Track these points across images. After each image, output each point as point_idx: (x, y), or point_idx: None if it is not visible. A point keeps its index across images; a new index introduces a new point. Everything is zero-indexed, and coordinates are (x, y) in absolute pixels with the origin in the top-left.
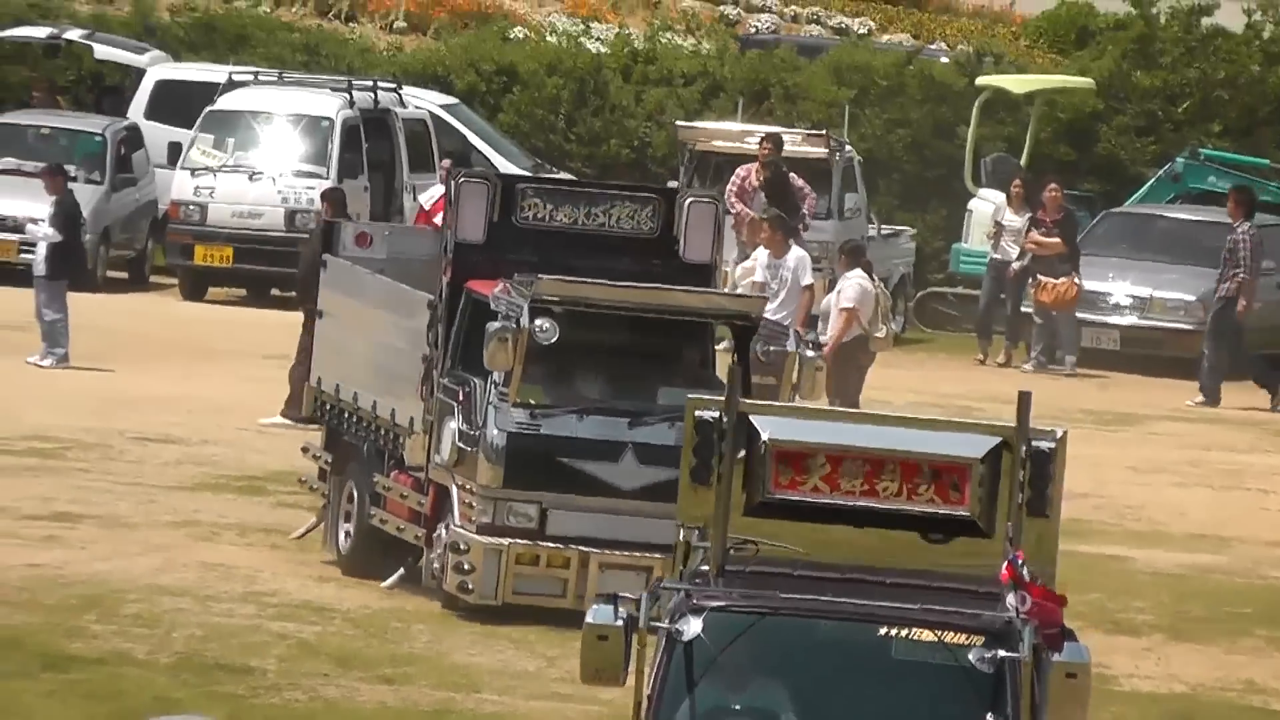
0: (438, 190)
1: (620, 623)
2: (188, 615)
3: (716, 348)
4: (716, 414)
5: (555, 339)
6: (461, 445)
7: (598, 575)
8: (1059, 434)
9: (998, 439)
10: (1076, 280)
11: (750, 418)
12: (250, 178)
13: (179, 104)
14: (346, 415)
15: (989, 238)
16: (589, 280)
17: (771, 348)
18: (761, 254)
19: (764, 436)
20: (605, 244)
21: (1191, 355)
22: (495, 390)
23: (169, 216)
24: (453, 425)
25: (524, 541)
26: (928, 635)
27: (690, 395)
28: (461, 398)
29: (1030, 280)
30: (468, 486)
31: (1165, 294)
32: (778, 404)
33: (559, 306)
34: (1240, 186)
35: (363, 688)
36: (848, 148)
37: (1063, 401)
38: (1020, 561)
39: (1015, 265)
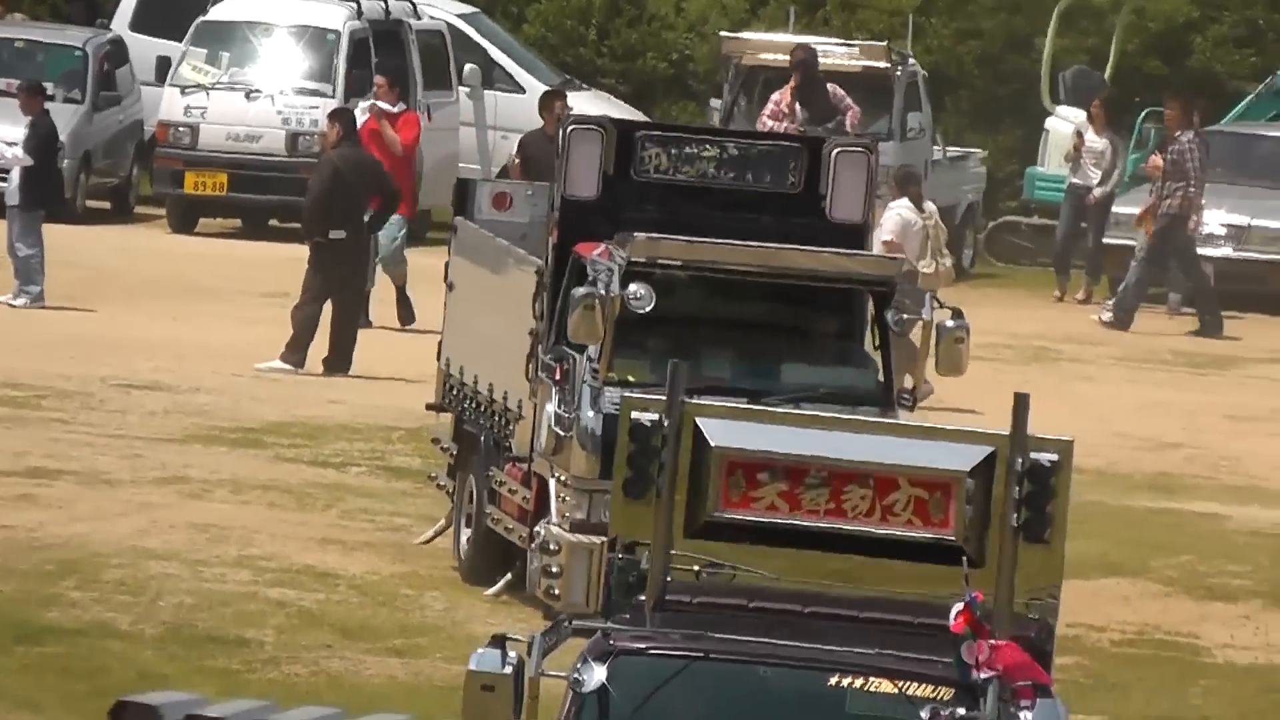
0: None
1: (509, 670)
2: (176, 582)
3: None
4: (656, 416)
5: (650, 307)
6: (558, 430)
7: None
8: (1065, 441)
9: (989, 449)
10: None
11: (697, 421)
12: (247, 96)
13: (168, 14)
14: (468, 401)
15: (1068, 161)
16: (692, 239)
17: (904, 315)
18: None
19: (712, 444)
20: (740, 201)
21: None
22: (589, 367)
23: (156, 139)
24: (550, 408)
25: None
26: (887, 686)
27: (627, 395)
28: (559, 376)
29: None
30: (563, 478)
31: (1266, 223)
32: (730, 405)
33: (657, 270)
34: (1183, 91)
35: (370, 660)
36: (911, 61)
37: (1151, 343)
38: (978, 603)
39: (1097, 192)
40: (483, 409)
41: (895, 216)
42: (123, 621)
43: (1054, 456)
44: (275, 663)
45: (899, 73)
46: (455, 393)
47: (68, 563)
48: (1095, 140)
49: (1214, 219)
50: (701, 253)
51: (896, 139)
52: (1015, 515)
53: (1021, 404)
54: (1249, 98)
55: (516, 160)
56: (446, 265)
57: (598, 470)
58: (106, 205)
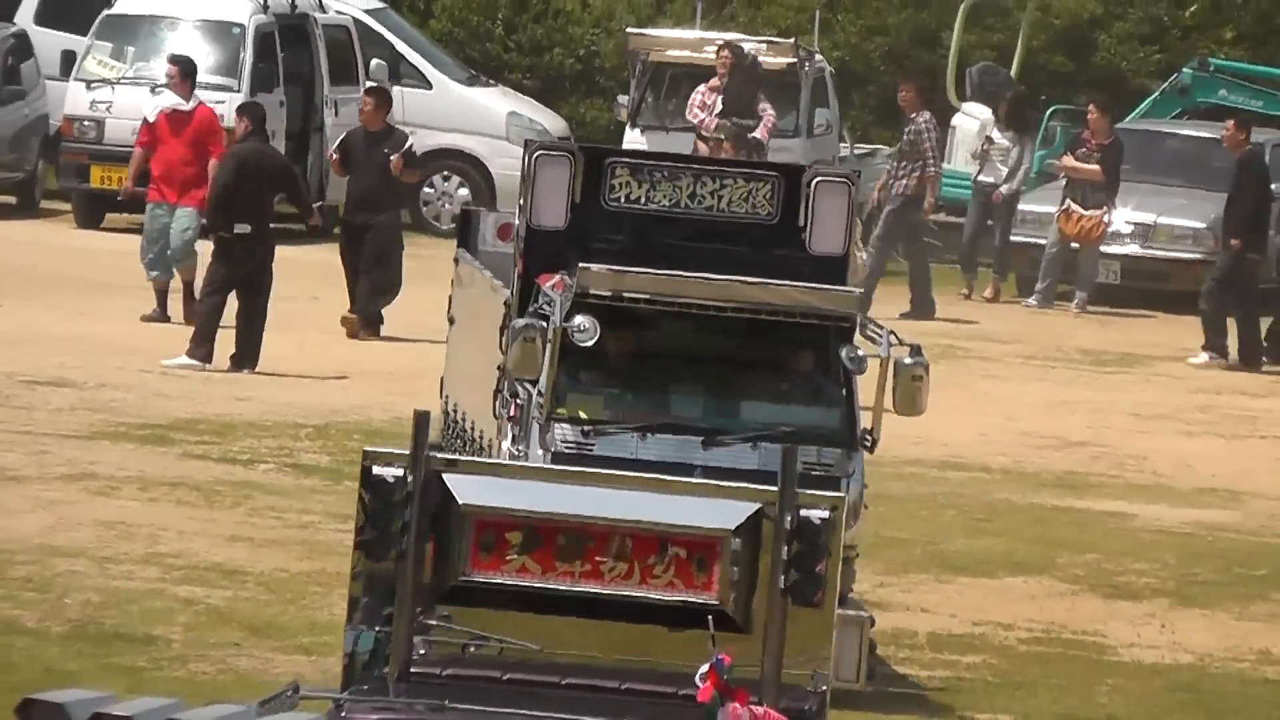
0: (167, 100)
1: None
2: (83, 579)
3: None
4: (400, 472)
5: (594, 340)
6: None
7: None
8: (837, 496)
9: (755, 505)
10: (1107, 217)
11: (444, 477)
12: (153, 91)
13: (72, 7)
14: (458, 440)
15: (975, 158)
16: (638, 269)
17: (860, 352)
18: None
19: (460, 501)
20: (714, 231)
21: (1199, 289)
22: (537, 402)
23: (62, 134)
24: (505, 446)
25: None
26: None
27: (368, 449)
28: (513, 412)
29: (1059, 205)
30: None
31: (1171, 220)
32: (481, 460)
33: (604, 301)
34: (911, 75)
35: (278, 658)
36: (818, 57)
37: (1059, 341)
38: (726, 665)
39: (1003, 189)
40: (468, 448)
41: None
42: (29, 619)
43: (824, 513)
44: (183, 660)
45: (806, 69)
46: (451, 431)
47: None
48: (1001, 137)
49: (1120, 216)
50: (650, 285)
51: (804, 135)
52: (783, 577)
53: (790, 457)
54: (1154, 95)
55: (335, 157)
56: (450, 299)
57: None
58: (12, 200)
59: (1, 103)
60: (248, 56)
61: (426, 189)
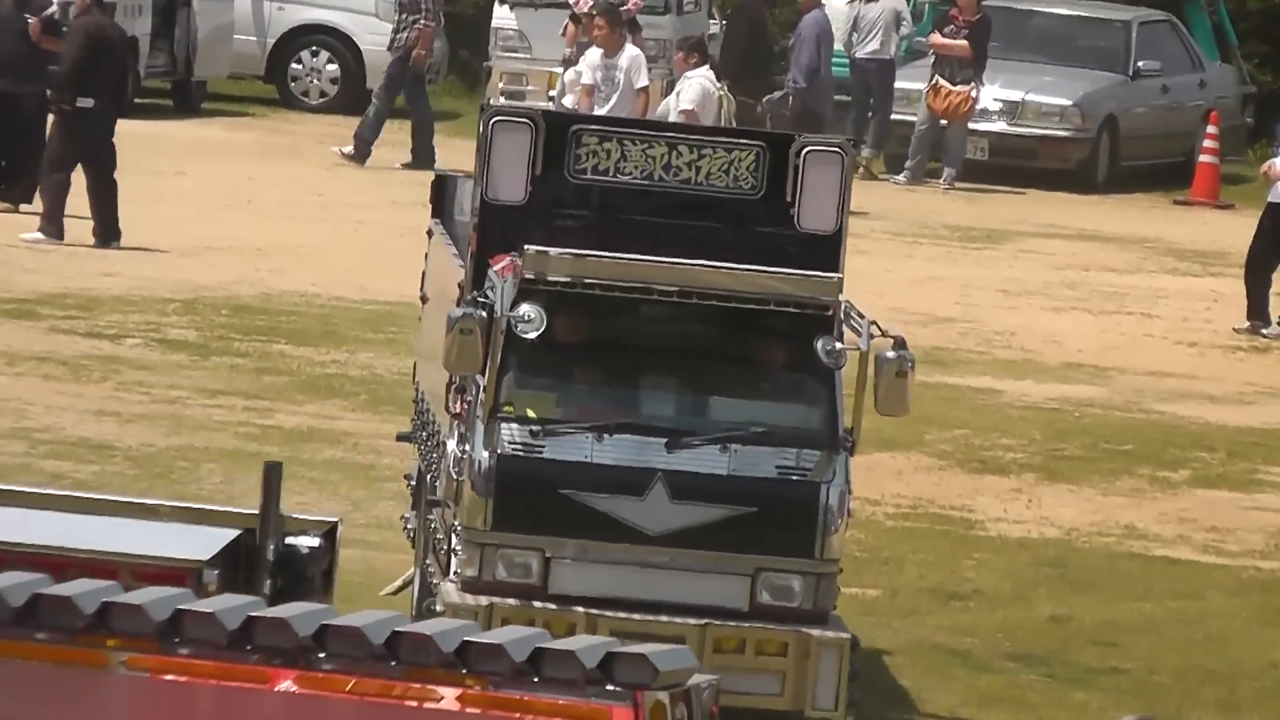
0: None
1: None
2: None
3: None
4: None
5: (539, 331)
6: (455, 473)
7: None
8: (330, 521)
9: (235, 532)
10: (975, 93)
11: None
12: None
13: None
14: (424, 430)
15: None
16: (594, 254)
17: (838, 345)
18: (592, 53)
19: None
20: (691, 206)
21: (1067, 166)
22: (480, 399)
23: None
24: (451, 446)
25: (513, 602)
26: None
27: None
28: (459, 408)
29: (928, 82)
30: (457, 528)
31: (1039, 98)
32: None
33: (556, 288)
34: None
35: None
36: None
37: (926, 217)
38: None
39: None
40: (430, 440)
41: (697, 85)
42: None
43: (314, 541)
44: None
45: None
46: (420, 420)
47: None
48: (870, 8)
49: (988, 94)
50: (603, 270)
51: (674, 12)
52: None
53: (272, 475)
54: None
55: None
56: (423, 275)
57: (490, 520)
58: None
59: None
60: None
61: (294, 64)
